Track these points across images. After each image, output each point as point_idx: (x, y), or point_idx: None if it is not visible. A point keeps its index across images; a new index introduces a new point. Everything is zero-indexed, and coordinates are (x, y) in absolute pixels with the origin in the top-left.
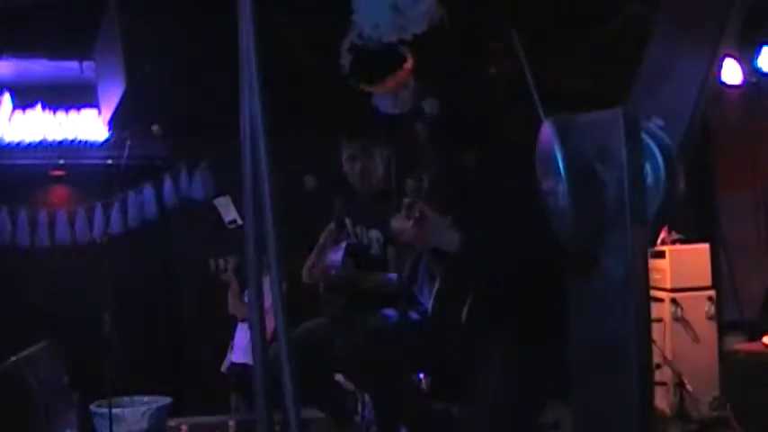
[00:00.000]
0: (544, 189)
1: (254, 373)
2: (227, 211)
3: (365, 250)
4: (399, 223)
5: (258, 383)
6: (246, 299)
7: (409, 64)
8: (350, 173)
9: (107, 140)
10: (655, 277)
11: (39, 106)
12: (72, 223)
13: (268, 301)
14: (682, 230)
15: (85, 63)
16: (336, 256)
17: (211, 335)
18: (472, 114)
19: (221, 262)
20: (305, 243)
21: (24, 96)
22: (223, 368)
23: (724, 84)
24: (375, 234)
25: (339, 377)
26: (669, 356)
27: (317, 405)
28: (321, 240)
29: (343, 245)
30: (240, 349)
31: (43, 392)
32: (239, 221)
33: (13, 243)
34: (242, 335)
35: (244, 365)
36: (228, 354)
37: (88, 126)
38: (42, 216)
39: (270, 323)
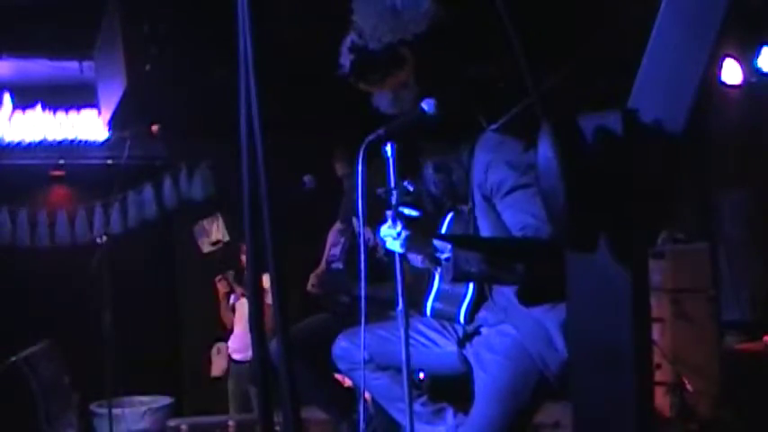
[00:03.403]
0: (543, 189)
1: (254, 373)
2: (211, 231)
3: (368, 253)
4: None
5: (258, 383)
6: (232, 300)
7: (409, 64)
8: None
9: (107, 140)
10: (655, 277)
11: (39, 106)
12: (72, 223)
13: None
14: (682, 230)
15: (85, 63)
16: (335, 250)
17: (211, 335)
18: (471, 113)
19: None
20: (305, 243)
21: (24, 96)
22: (216, 372)
23: (724, 84)
24: (381, 239)
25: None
26: (669, 356)
27: (316, 402)
28: (330, 239)
29: (342, 240)
30: (241, 346)
31: (43, 392)
32: (225, 239)
33: (13, 243)
34: (237, 336)
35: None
36: (216, 359)
37: (88, 126)
38: (42, 216)
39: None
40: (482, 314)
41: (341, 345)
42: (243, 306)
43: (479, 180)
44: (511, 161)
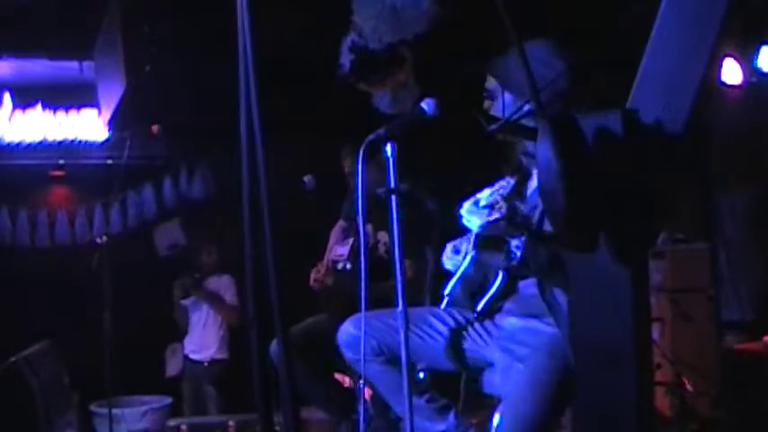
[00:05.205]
0: (544, 189)
1: (254, 373)
2: (169, 236)
3: (369, 252)
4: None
5: (258, 383)
6: (187, 302)
7: (409, 64)
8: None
9: (107, 140)
10: (655, 277)
11: (39, 106)
12: (72, 223)
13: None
14: (682, 230)
15: (85, 63)
16: (342, 250)
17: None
18: (471, 113)
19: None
20: (304, 242)
21: (24, 96)
22: (172, 372)
23: (724, 84)
24: (383, 237)
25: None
26: (669, 356)
27: (316, 402)
28: (332, 239)
29: (350, 240)
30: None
31: (43, 392)
32: (182, 242)
33: (13, 243)
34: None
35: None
36: (171, 359)
37: (88, 126)
38: (42, 216)
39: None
40: (507, 306)
41: (349, 332)
42: (199, 308)
43: None
44: None
